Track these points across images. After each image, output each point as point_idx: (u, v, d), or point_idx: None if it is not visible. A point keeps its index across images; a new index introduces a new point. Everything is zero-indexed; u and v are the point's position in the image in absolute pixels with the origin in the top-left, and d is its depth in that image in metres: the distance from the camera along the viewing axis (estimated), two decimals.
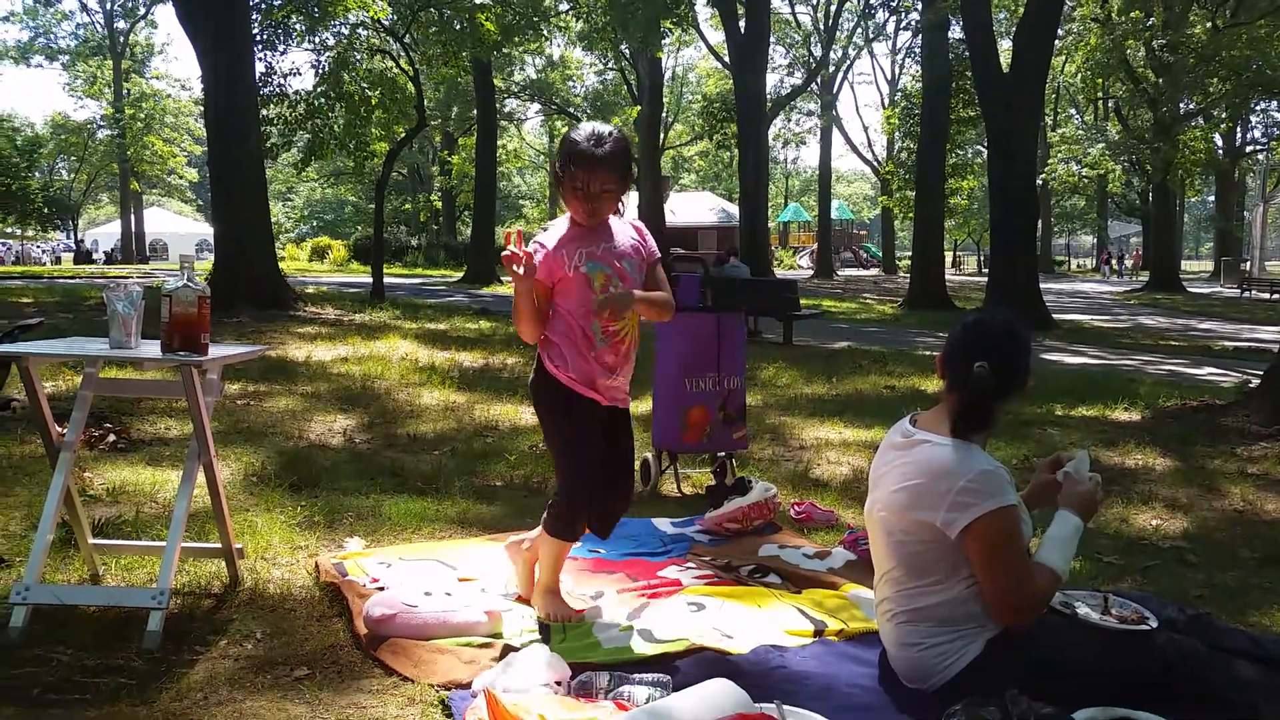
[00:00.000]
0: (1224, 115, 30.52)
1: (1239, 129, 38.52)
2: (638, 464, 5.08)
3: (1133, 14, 24.74)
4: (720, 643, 2.89)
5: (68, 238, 49.89)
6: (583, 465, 3.01)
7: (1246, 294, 29.86)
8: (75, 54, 46.41)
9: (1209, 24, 24.47)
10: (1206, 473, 5.50)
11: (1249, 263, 34.82)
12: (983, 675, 2.42)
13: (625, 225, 3.09)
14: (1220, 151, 35.37)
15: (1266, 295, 27.47)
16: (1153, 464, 5.70)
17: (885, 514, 2.57)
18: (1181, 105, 29.32)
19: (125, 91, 44.60)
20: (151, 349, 2.92)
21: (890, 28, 43.29)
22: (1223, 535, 4.28)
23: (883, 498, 2.59)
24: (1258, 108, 33.62)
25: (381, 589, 3.15)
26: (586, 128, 2.92)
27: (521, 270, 2.81)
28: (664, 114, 39.27)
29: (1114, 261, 49.86)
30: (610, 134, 2.90)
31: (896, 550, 2.55)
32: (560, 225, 3.03)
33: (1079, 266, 57.70)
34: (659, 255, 3.11)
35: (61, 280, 23.53)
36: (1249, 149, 40.94)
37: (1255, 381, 7.59)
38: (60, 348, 3.11)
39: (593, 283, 2.94)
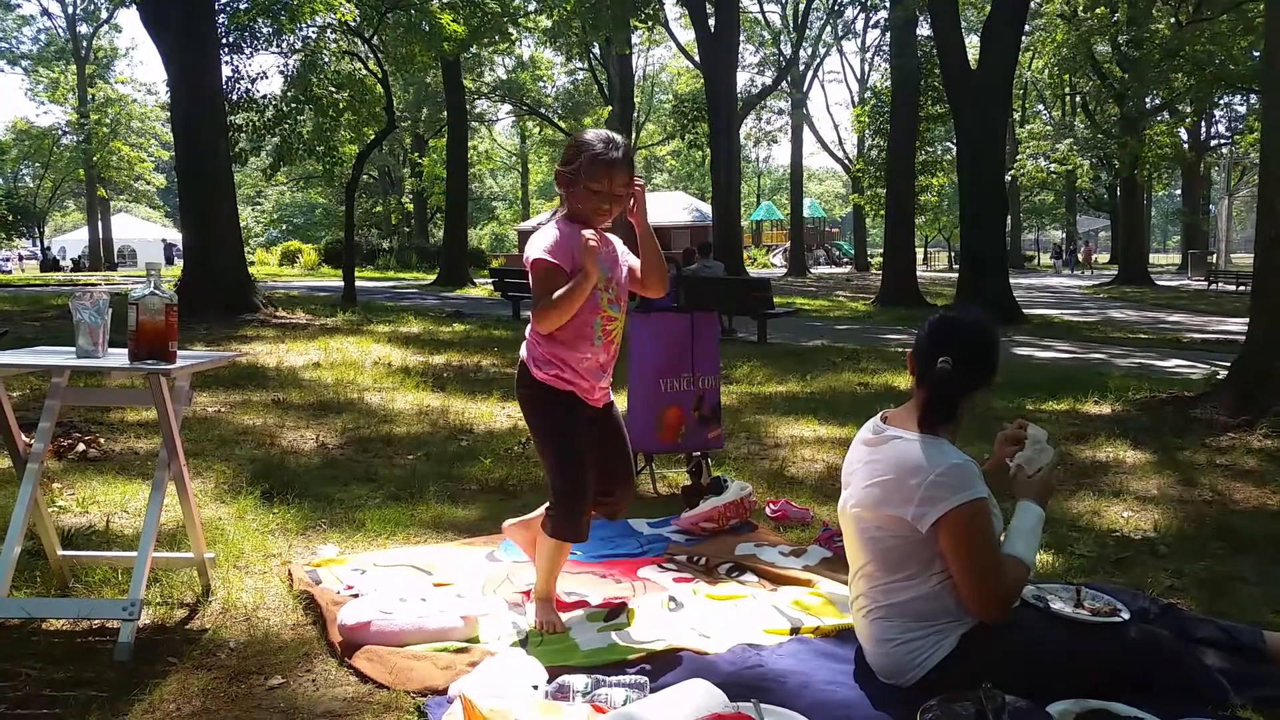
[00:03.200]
0: (1189, 110, 30.90)
1: (1204, 123, 39.02)
2: None
3: (1098, 10, 24.97)
4: (697, 642, 2.89)
5: (34, 245, 49.25)
6: (575, 464, 3.01)
7: (1213, 286, 30.22)
8: (37, 59, 45.83)
9: (1172, 20, 24.75)
10: (1176, 464, 5.56)
11: (1215, 255, 35.22)
12: (958, 670, 2.44)
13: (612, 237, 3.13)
14: (1186, 146, 35.78)
15: (1233, 287, 27.79)
16: (1123, 456, 5.75)
17: (858, 510, 2.59)
18: (1147, 100, 29.65)
19: (90, 97, 44.09)
20: (119, 358, 2.88)
21: (859, 25, 43.65)
22: (1193, 526, 4.33)
23: (855, 494, 2.60)
24: (1221, 102, 34.05)
25: (356, 596, 3.13)
26: (596, 133, 3.00)
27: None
28: (635, 114, 39.29)
29: (1065, 255, 50.22)
30: (620, 139, 2.99)
31: (870, 546, 2.57)
32: (554, 227, 3.00)
33: (1032, 262, 57.62)
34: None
35: (29, 288, 23.23)
36: (1214, 143, 41.46)
37: (1223, 373, 7.69)
38: (26, 357, 3.07)
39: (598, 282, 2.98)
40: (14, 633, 2.83)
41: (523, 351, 3.08)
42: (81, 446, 5.27)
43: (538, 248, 2.93)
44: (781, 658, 2.80)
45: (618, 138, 2.98)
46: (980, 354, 2.57)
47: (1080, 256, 49.82)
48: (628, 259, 3.14)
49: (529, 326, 3.03)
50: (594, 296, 2.96)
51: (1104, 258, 55.89)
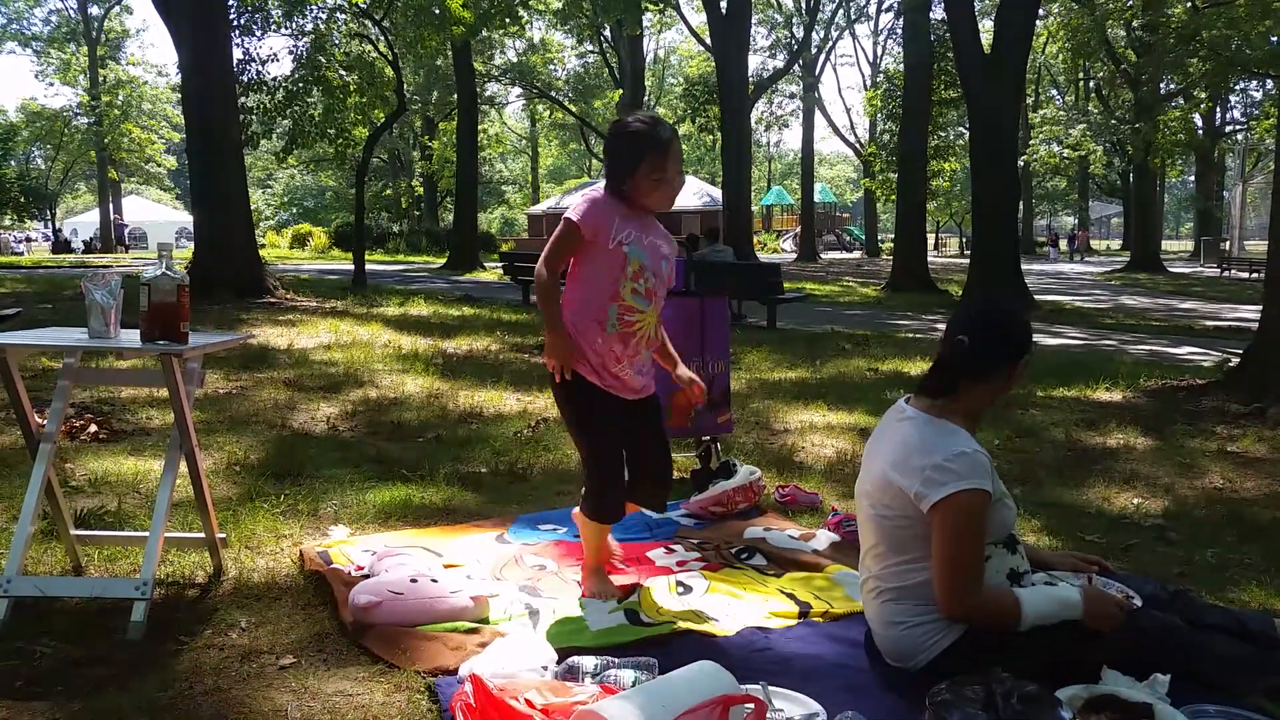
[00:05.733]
0: (1204, 95, 30.64)
1: (1219, 109, 38.70)
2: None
3: None
4: (706, 625, 2.90)
5: (45, 227, 49.35)
6: (603, 451, 3.07)
7: (1226, 273, 30.05)
8: (48, 40, 45.84)
9: (1188, 4, 24.51)
10: (1187, 451, 5.55)
11: (1229, 242, 35.00)
12: (967, 654, 2.44)
13: (662, 228, 3.11)
14: (1200, 132, 35.50)
15: (1246, 274, 27.63)
16: (1134, 443, 5.74)
17: (870, 488, 2.60)
18: (1162, 85, 29.40)
19: (101, 78, 44.10)
20: (131, 338, 2.89)
21: (872, 8, 43.36)
22: (1203, 513, 4.32)
23: (868, 472, 2.61)
24: (1237, 88, 33.75)
25: (367, 576, 3.14)
26: (641, 115, 3.03)
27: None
28: (646, 97, 39.13)
29: (1061, 243, 49.74)
30: (662, 119, 3.04)
31: (879, 525, 2.57)
32: (609, 198, 3.00)
33: (1043, 248, 56.85)
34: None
35: (41, 269, 23.30)
36: (1228, 129, 41.12)
37: (1235, 361, 7.65)
38: (38, 338, 3.08)
39: (628, 266, 2.94)
40: (28, 611, 2.85)
41: None
42: (94, 427, 5.30)
43: (573, 207, 2.97)
44: (790, 641, 2.81)
45: (661, 116, 3.05)
46: (997, 336, 2.57)
47: (1064, 244, 49.37)
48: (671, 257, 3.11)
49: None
50: (616, 282, 2.93)
51: (1116, 244, 55.52)
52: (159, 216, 51.17)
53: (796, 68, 38.98)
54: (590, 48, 38.45)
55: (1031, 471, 5.00)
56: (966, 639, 2.47)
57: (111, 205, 46.56)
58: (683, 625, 2.89)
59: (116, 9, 46.75)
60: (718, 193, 35.85)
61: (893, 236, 28.27)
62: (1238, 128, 40.52)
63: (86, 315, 2.89)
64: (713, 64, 27.59)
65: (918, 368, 8.65)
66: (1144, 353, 10.95)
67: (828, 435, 5.87)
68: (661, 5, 27.44)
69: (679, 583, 3.26)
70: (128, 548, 3.41)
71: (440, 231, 40.87)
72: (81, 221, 51.81)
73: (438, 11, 18.82)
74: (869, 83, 45.11)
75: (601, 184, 3.05)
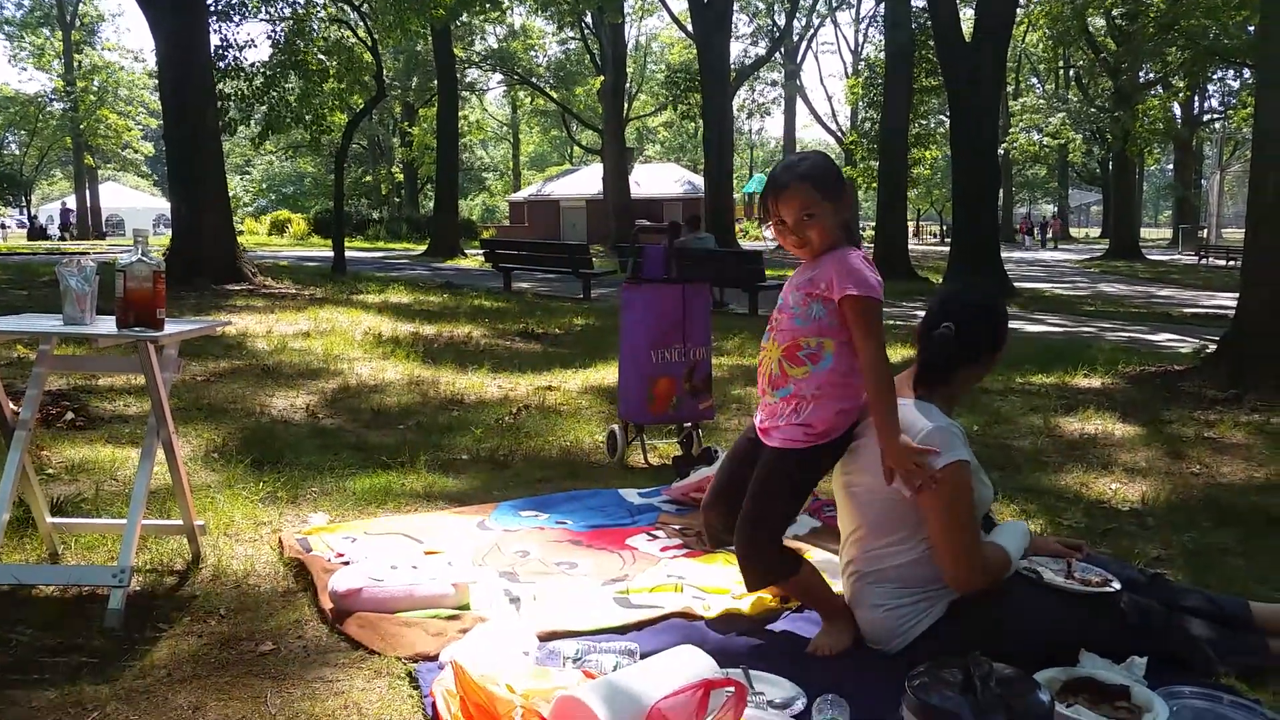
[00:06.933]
0: (1182, 84, 30.83)
1: (1196, 98, 38.96)
2: (603, 436, 5.09)
3: None
4: (697, 609, 2.90)
5: (20, 213, 48.84)
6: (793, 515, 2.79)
7: (1204, 261, 30.26)
8: (22, 24, 45.27)
9: None
10: (1165, 437, 5.59)
11: (1206, 230, 35.24)
12: (946, 637, 2.45)
13: (828, 264, 2.58)
14: (1178, 120, 35.72)
15: (1223, 262, 27.81)
16: (1112, 429, 5.78)
17: (850, 474, 2.60)
18: (1141, 74, 29.57)
19: (76, 63, 43.58)
20: (107, 325, 2.87)
21: None
22: (1180, 498, 4.35)
23: (848, 458, 2.62)
24: (1215, 77, 33.98)
25: (347, 563, 3.13)
26: (792, 156, 2.72)
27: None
28: (627, 84, 39.04)
29: (1035, 231, 50.01)
30: (802, 158, 2.64)
31: (860, 510, 2.58)
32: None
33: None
34: (849, 293, 2.49)
35: (15, 256, 23.05)
36: (1206, 118, 41.41)
37: (1213, 347, 7.71)
38: (13, 324, 3.05)
39: None
40: (4, 599, 2.83)
41: None
42: (70, 414, 5.25)
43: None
44: (770, 625, 2.82)
45: (798, 158, 2.64)
46: (982, 324, 2.61)
47: (1036, 232, 49.71)
48: (802, 290, 2.64)
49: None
50: None
51: (1095, 232, 55.85)
52: (137, 203, 50.71)
53: (778, 55, 38.98)
54: (571, 34, 38.26)
55: (1010, 457, 5.03)
56: (947, 623, 2.49)
57: (77, 194, 46.06)
58: (670, 610, 2.89)
59: None
60: (699, 180, 35.80)
61: (873, 224, 28.35)
62: (1215, 116, 40.85)
63: (61, 301, 2.86)
64: (694, 51, 27.53)
65: (898, 354, 8.67)
66: (1122, 339, 11.03)
67: None
68: None
69: (679, 578, 3.22)
70: (105, 535, 3.38)
71: (421, 218, 40.66)
72: (57, 208, 51.31)
73: None
74: (850, 70, 45.13)
75: None
